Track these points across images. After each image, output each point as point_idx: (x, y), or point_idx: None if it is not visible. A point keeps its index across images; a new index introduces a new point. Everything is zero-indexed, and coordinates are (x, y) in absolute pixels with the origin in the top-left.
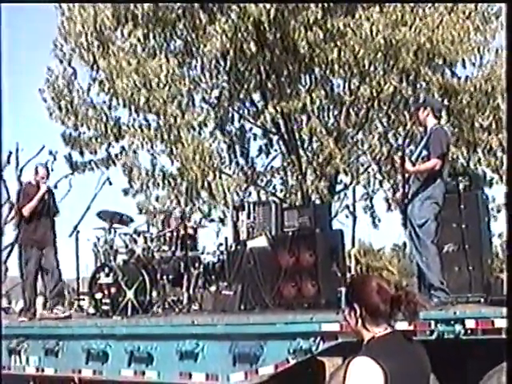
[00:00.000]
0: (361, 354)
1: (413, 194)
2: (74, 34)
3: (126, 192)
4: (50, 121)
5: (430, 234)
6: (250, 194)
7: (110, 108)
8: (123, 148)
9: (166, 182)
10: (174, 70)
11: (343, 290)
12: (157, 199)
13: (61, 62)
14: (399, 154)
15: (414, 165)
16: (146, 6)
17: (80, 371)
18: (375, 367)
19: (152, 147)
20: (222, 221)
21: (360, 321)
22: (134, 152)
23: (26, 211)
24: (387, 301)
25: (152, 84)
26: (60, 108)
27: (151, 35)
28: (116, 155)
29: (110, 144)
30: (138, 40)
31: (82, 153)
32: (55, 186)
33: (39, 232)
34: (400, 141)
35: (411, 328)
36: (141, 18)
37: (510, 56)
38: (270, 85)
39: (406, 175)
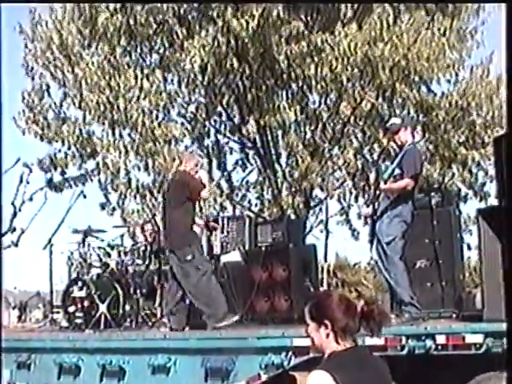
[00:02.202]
0: (318, 367)
1: (382, 211)
2: (41, 51)
3: (102, 207)
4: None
5: (398, 251)
6: (226, 208)
7: (84, 123)
8: (98, 164)
9: (142, 195)
10: (153, 84)
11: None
12: (132, 213)
13: (32, 79)
14: (373, 170)
15: (386, 182)
16: (124, 20)
17: None
18: (328, 379)
19: (125, 162)
20: None
21: (332, 335)
22: (107, 167)
23: None
24: (355, 315)
25: (126, 98)
26: (36, 123)
27: (127, 49)
28: (92, 171)
29: (83, 160)
30: (111, 54)
31: (55, 168)
32: (30, 199)
33: None
34: (375, 156)
35: (382, 343)
36: (117, 33)
37: (510, 56)
38: (247, 99)
39: (377, 192)
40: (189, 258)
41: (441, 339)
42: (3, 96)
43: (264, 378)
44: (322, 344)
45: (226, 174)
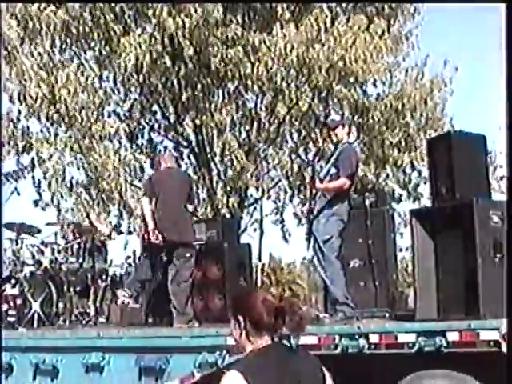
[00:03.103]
0: (232, 367)
1: (318, 210)
2: None
3: (36, 203)
4: None
5: (334, 250)
6: None
7: (18, 119)
8: (32, 159)
9: (76, 193)
10: (88, 80)
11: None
12: (66, 211)
13: None
14: (309, 169)
15: (322, 181)
16: (59, 15)
17: None
18: (240, 380)
19: (60, 158)
20: (130, 233)
21: (244, 333)
22: (42, 163)
23: None
24: (271, 312)
25: (62, 94)
26: None
27: (63, 46)
28: (26, 167)
29: (18, 155)
30: (49, 50)
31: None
32: None
33: None
34: (310, 156)
35: (315, 342)
36: (53, 28)
37: (510, 56)
38: (183, 98)
39: (314, 191)
40: (188, 255)
41: (374, 338)
42: None
43: (198, 376)
44: (243, 341)
45: None
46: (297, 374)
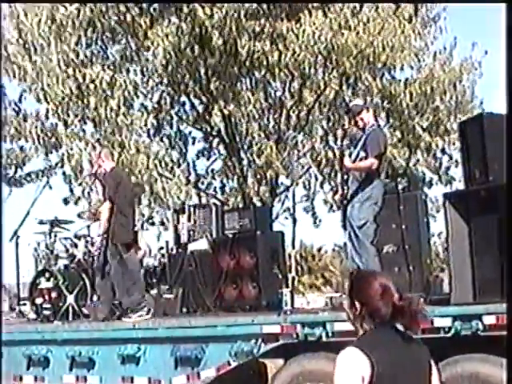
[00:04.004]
0: (351, 345)
1: (352, 196)
2: None
3: (66, 200)
4: None
5: (370, 235)
6: (191, 196)
7: (47, 117)
8: (62, 156)
9: None
10: (114, 74)
11: (284, 291)
12: (98, 206)
13: None
14: (339, 154)
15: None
16: (84, 11)
17: (21, 378)
18: (360, 356)
19: (90, 154)
20: (162, 224)
21: (359, 317)
22: (71, 160)
23: None
24: (389, 307)
25: (89, 90)
26: None
27: (88, 42)
28: (56, 164)
29: (47, 153)
30: (74, 49)
31: (19, 166)
32: None
33: None
34: (339, 143)
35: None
36: (78, 25)
37: (510, 56)
38: (211, 88)
39: (345, 176)
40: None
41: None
42: None
43: (234, 365)
44: (353, 322)
45: (190, 162)
46: (409, 357)
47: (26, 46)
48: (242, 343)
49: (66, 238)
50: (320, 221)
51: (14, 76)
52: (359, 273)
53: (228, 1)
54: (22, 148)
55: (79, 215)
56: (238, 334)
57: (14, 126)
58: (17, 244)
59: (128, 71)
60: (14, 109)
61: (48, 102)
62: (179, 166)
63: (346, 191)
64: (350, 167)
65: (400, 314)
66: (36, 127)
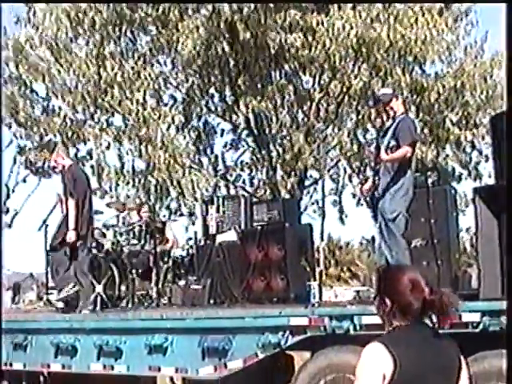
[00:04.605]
0: (375, 340)
1: (383, 188)
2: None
3: (94, 193)
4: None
5: (401, 228)
6: (220, 188)
7: (75, 110)
8: (90, 150)
9: (135, 179)
10: (143, 67)
11: (312, 284)
12: (126, 197)
13: (14, 78)
14: (372, 146)
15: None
16: (110, 6)
17: (49, 365)
18: (384, 352)
19: (119, 147)
20: (191, 215)
21: (390, 313)
22: (97, 153)
23: None
24: (419, 301)
25: (118, 83)
26: (19, 125)
27: (118, 34)
28: (84, 157)
29: (76, 147)
30: (101, 43)
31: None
32: (24, 180)
33: None
34: (369, 136)
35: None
36: (108, 18)
37: (510, 56)
38: (240, 80)
39: (377, 167)
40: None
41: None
42: None
43: (261, 356)
44: (384, 318)
45: (219, 154)
46: (438, 354)
47: (49, 44)
48: (269, 335)
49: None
50: (346, 216)
51: (44, 78)
52: (387, 269)
53: (234, 1)
54: (50, 141)
55: (108, 205)
56: (265, 326)
57: (42, 122)
58: (45, 233)
59: (158, 62)
60: (42, 105)
61: (75, 98)
62: (208, 157)
63: (377, 183)
64: (387, 159)
65: (431, 308)
66: (64, 122)
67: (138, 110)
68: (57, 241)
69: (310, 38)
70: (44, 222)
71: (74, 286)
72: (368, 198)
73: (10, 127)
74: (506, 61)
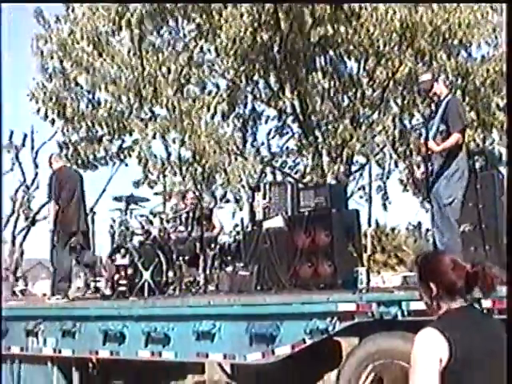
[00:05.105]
0: (429, 325)
1: (437, 173)
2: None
3: (137, 184)
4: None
5: (456, 213)
6: (265, 175)
7: (120, 101)
8: (136, 140)
9: (182, 168)
10: (190, 56)
11: (360, 269)
12: (172, 186)
13: (59, 72)
14: (420, 134)
15: (434, 139)
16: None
17: (97, 352)
18: (439, 337)
19: (164, 136)
20: (237, 202)
21: (437, 298)
22: (143, 143)
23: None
24: (462, 278)
25: (159, 75)
26: (67, 120)
27: (161, 24)
28: (130, 147)
29: (122, 138)
30: (144, 34)
31: (93, 151)
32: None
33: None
34: (414, 121)
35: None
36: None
37: (511, 55)
38: (284, 67)
39: (429, 152)
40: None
41: (487, 303)
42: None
43: (309, 343)
44: (432, 305)
45: (264, 141)
46: (489, 336)
47: (91, 37)
48: (316, 321)
49: (141, 215)
50: (390, 202)
51: (88, 72)
52: (426, 254)
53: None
54: (96, 133)
55: (156, 193)
56: (313, 312)
57: (88, 115)
58: (92, 220)
59: (202, 51)
60: (87, 98)
61: (119, 89)
62: (253, 144)
63: (430, 168)
64: (438, 150)
65: (475, 281)
66: (109, 114)
67: (183, 99)
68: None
69: (354, 23)
70: (91, 209)
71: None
72: (421, 184)
73: (53, 123)
74: (507, 61)
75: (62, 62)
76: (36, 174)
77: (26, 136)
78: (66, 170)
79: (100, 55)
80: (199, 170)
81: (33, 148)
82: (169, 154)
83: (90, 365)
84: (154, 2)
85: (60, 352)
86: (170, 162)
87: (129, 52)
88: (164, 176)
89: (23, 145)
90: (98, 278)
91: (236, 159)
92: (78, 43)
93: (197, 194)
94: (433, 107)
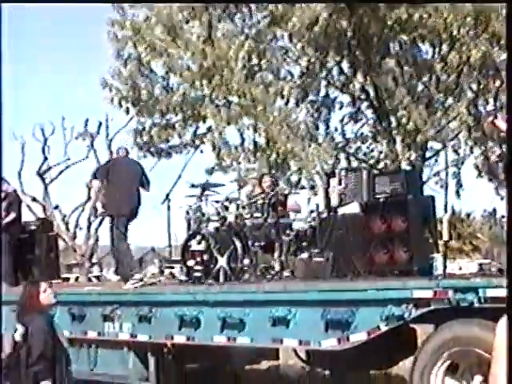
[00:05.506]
0: None
1: None
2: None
3: (210, 171)
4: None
5: None
6: (339, 161)
7: (194, 87)
8: (210, 127)
9: (256, 154)
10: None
11: (436, 256)
12: (247, 171)
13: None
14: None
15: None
16: None
17: (173, 337)
18: None
19: (237, 123)
20: (312, 188)
21: None
22: (217, 130)
23: None
24: None
25: (231, 61)
26: (141, 107)
27: (232, 12)
28: (204, 134)
29: (196, 125)
30: (218, 20)
31: (166, 139)
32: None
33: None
34: (489, 107)
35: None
36: None
37: (511, 55)
38: (358, 52)
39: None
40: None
41: None
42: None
43: (384, 329)
44: None
45: (338, 127)
46: None
47: (165, 23)
48: (392, 308)
49: (217, 201)
50: (467, 187)
51: (162, 57)
52: None
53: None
54: (168, 121)
55: (231, 180)
56: (388, 299)
57: (162, 101)
58: (168, 207)
59: (275, 37)
60: (162, 85)
61: (193, 75)
62: (327, 131)
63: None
64: (504, 129)
65: None
66: (183, 100)
67: (255, 86)
68: None
69: (428, 8)
70: (167, 196)
71: None
72: (496, 169)
73: (127, 111)
74: (507, 61)
75: (136, 47)
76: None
77: (100, 124)
78: (124, 158)
79: (174, 41)
80: (274, 155)
81: (107, 135)
82: (242, 141)
83: (165, 350)
84: (163, 2)
85: (136, 337)
86: (244, 149)
87: (198, 38)
88: (238, 163)
89: (98, 132)
90: (171, 265)
91: (310, 145)
92: (152, 30)
93: (273, 179)
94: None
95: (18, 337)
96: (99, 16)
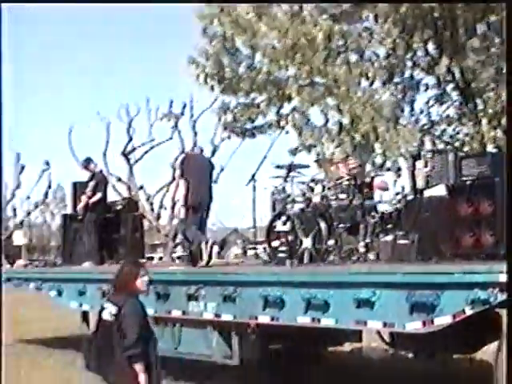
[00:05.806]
0: None
1: None
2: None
3: (293, 152)
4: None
5: None
6: (424, 143)
7: (277, 65)
8: (294, 108)
9: (341, 135)
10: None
11: None
12: (332, 153)
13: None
14: None
15: None
16: None
17: (257, 317)
18: None
19: (323, 103)
20: (398, 170)
21: None
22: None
23: None
24: None
25: (316, 42)
26: (226, 85)
27: None
28: (287, 115)
29: (280, 106)
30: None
31: (251, 119)
32: (228, 137)
33: None
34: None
35: None
36: None
37: (511, 54)
38: (444, 34)
39: None
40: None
41: None
42: None
43: (469, 313)
44: None
45: (424, 109)
46: None
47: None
48: (478, 291)
49: (302, 183)
50: None
51: (245, 31)
52: None
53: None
54: (253, 100)
55: (316, 161)
56: (474, 282)
57: (246, 80)
58: (254, 188)
59: (361, 18)
60: (246, 63)
61: (278, 55)
62: (412, 112)
63: None
64: None
65: None
66: (267, 79)
67: (339, 67)
68: None
69: None
70: (253, 176)
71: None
72: None
73: (212, 89)
74: (506, 61)
75: (222, 25)
76: (195, 143)
77: (185, 105)
78: (199, 156)
79: (259, 18)
80: (358, 137)
81: (191, 116)
82: (326, 121)
83: (249, 330)
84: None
85: (220, 316)
86: (328, 130)
87: (287, 16)
88: (322, 143)
89: (182, 113)
90: (253, 246)
91: (394, 127)
92: (238, 6)
93: (358, 161)
94: None
95: (107, 315)
96: None
